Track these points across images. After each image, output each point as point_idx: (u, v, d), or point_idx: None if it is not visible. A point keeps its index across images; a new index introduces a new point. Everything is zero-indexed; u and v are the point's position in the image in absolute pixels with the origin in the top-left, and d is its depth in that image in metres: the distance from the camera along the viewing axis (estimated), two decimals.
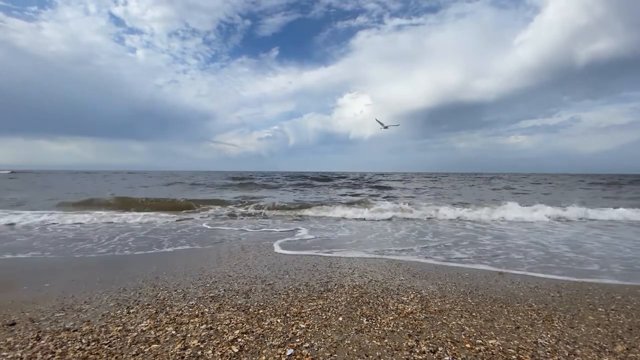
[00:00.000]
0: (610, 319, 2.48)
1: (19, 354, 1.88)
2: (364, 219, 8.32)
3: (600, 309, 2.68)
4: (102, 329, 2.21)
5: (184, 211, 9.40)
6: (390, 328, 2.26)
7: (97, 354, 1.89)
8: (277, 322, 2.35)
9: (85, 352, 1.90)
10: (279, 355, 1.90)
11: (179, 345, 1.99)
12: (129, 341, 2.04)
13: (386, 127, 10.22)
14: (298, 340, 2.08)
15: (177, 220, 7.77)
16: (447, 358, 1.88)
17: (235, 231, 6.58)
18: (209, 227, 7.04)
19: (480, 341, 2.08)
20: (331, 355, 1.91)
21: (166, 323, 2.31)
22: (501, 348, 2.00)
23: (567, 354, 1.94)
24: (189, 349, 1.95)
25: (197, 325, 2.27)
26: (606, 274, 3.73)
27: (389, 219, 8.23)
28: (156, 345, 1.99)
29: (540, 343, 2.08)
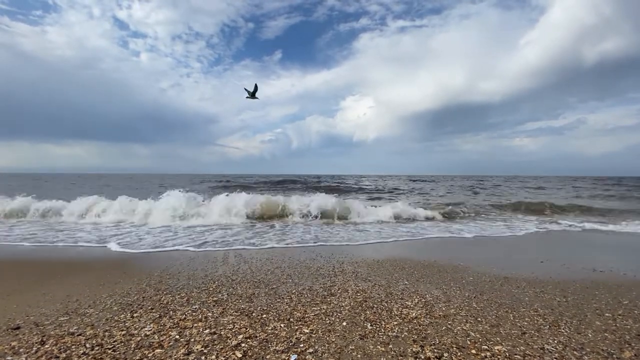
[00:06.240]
0: (618, 325, 2.45)
1: (23, 358, 1.88)
2: None
3: (607, 314, 2.65)
4: (106, 333, 2.21)
5: None
6: (394, 333, 2.24)
7: (101, 358, 1.89)
8: (280, 326, 2.33)
9: (89, 357, 1.90)
10: None
11: (182, 350, 1.98)
12: (132, 346, 2.04)
13: (254, 97, 8.44)
14: (302, 345, 2.07)
15: None
16: None
17: None
18: None
19: (486, 347, 2.06)
20: None
21: (170, 327, 2.31)
22: (507, 354, 1.98)
23: None
24: (192, 354, 1.94)
25: (201, 330, 2.27)
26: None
27: None
28: (160, 350, 1.99)
29: (547, 349, 2.05)
